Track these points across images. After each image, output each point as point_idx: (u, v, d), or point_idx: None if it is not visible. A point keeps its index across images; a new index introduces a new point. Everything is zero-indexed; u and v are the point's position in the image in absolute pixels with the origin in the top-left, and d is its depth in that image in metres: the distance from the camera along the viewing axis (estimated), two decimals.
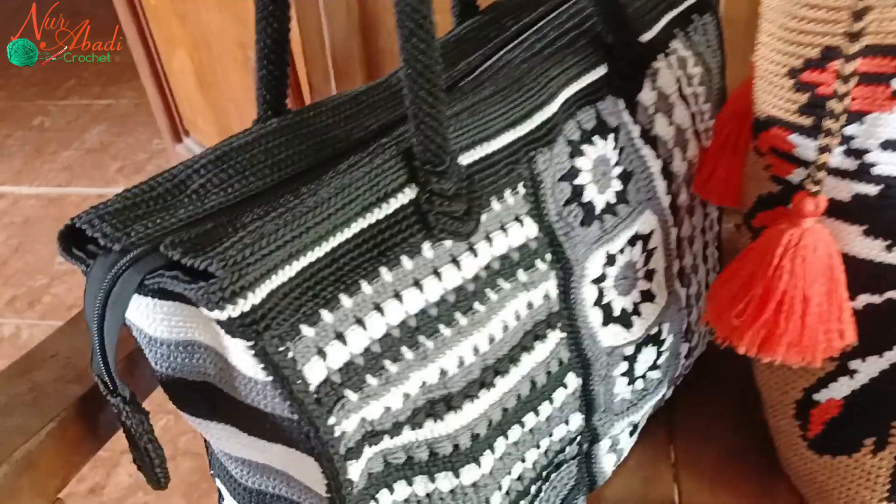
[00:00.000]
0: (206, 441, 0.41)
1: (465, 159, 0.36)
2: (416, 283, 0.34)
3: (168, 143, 1.42)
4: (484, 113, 0.37)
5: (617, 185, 0.42)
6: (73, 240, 0.33)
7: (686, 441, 0.54)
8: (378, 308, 0.33)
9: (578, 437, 0.45)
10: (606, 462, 0.49)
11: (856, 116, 0.36)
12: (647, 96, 0.44)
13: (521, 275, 0.38)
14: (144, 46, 1.24)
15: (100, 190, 1.62)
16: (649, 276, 0.45)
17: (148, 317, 0.33)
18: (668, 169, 0.45)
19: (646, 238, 0.44)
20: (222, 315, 0.28)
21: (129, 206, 0.33)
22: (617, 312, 0.44)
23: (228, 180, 0.35)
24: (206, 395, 0.35)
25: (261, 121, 0.39)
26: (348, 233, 0.32)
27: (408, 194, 0.34)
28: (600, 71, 0.41)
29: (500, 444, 0.39)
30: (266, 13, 0.37)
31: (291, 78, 0.82)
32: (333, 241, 0.32)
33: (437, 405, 0.36)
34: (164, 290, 0.31)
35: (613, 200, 0.42)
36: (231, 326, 0.29)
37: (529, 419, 0.40)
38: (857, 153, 0.36)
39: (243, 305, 0.29)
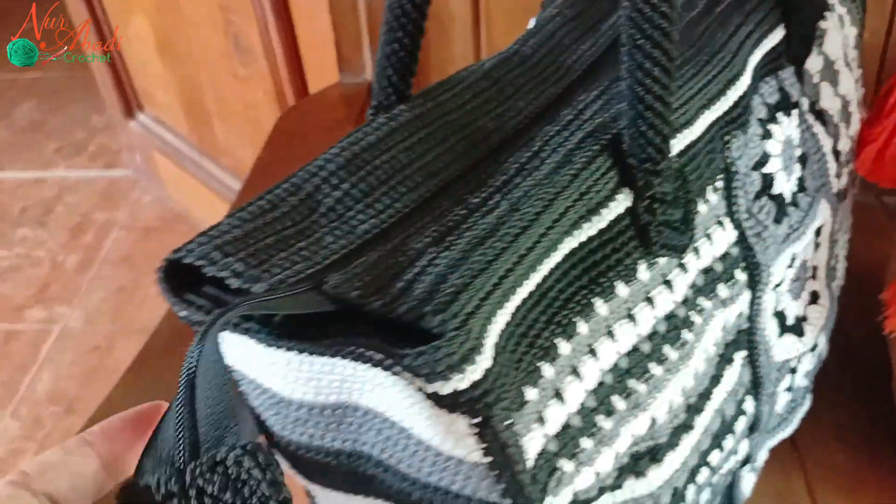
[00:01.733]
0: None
1: (671, 151, 0.28)
2: (629, 315, 0.26)
3: (117, 118, 1.28)
4: (680, 91, 0.29)
5: (798, 171, 0.35)
6: (177, 280, 0.25)
7: (814, 447, 0.48)
8: (592, 351, 0.25)
9: (739, 466, 0.38)
10: (746, 483, 0.43)
11: None
12: (812, 63, 0.37)
13: (722, 290, 0.31)
14: (91, 12, 1.10)
15: (38, 174, 1.47)
16: (815, 274, 0.39)
17: (286, 375, 0.25)
18: (836, 147, 0.38)
19: (819, 231, 0.37)
20: (445, 388, 0.20)
21: (252, 232, 0.25)
22: (791, 320, 0.37)
23: (371, 193, 0.26)
24: (351, 467, 0.27)
25: (381, 109, 0.30)
26: (556, 257, 0.24)
27: (622, 202, 0.26)
28: (780, 33, 0.34)
29: (691, 492, 0.32)
30: None
31: (294, 55, 0.72)
32: (543, 270, 0.24)
33: (641, 461, 0.29)
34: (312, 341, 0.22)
35: (795, 189, 0.35)
36: (454, 400, 0.21)
37: (714, 457, 0.34)
38: None
39: (472, 373, 0.20)
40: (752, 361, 0.35)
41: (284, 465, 0.30)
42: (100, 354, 1.13)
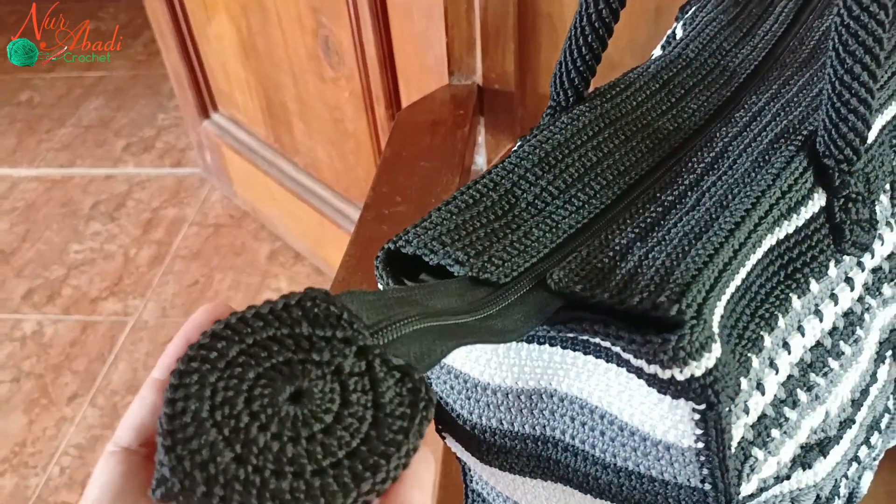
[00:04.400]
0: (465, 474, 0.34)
1: None
2: (816, 311, 0.27)
3: (191, 117, 1.31)
4: None
5: None
6: (393, 266, 0.26)
7: None
8: (785, 345, 0.26)
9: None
10: (865, 481, 0.44)
11: None
12: None
13: (886, 289, 0.31)
14: (171, 11, 1.13)
15: (108, 170, 1.51)
16: None
17: (490, 360, 0.26)
18: None
19: None
20: (683, 373, 0.21)
21: (462, 224, 0.26)
22: None
23: (568, 189, 0.28)
24: (537, 451, 0.28)
25: (560, 108, 0.32)
26: (759, 252, 0.25)
27: (817, 201, 0.27)
28: None
29: (842, 486, 0.33)
30: None
31: (402, 60, 0.73)
32: (749, 265, 0.25)
33: (811, 452, 0.29)
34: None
35: None
36: (687, 386, 0.22)
37: (863, 452, 0.34)
38: None
39: (708, 360, 0.22)
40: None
41: (460, 449, 0.31)
42: None
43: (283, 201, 1.18)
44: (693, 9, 0.40)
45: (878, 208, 0.30)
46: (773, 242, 0.26)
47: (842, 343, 0.29)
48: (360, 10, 0.76)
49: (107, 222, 1.39)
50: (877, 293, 0.31)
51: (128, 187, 1.47)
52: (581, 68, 0.31)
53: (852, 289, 0.29)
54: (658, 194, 0.27)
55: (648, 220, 0.26)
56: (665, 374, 0.22)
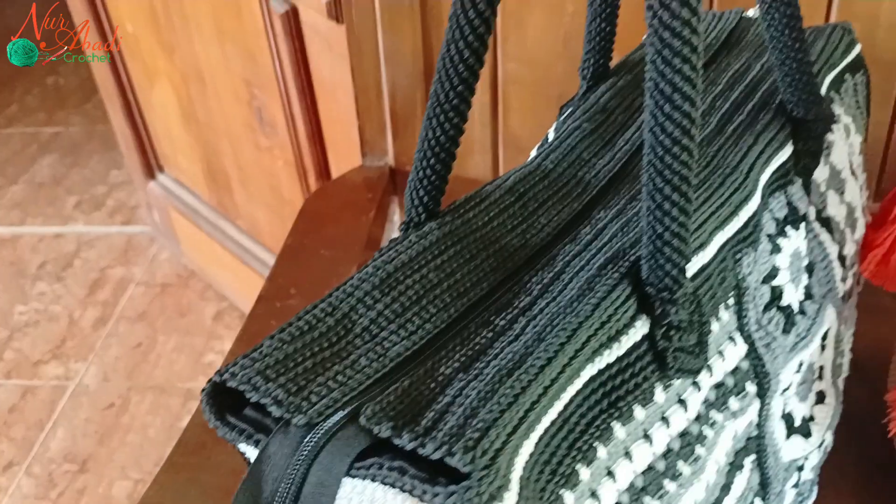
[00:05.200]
0: None
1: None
2: (646, 436, 0.28)
3: (137, 178, 1.31)
4: (696, 214, 0.31)
5: (805, 280, 0.37)
6: (222, 401, 0.26)
7: None
8: (610, 474, 0.27)
9: None
10: None
11: None
12: (819, 173, 0.38)
13: (733, 402, 0.32)
14: (115, 77, 1.14)
15: (57, 229, 1.50)
16: (821, 374, 0.40)
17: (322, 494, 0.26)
18: (841, 253, 0.40)
19: (825, 335, 0.39)
20: None
21: (291, 354, 0.26)
22: (798, 422, 0.38)
23: (404, 313, 0.28)
24: None
25: (413, 225, 0.32)
26: (578, 384, 0.26)
27: (639, 328, 0.27)
28: (788, 150, 0.36)
29: None
30: (450, 95, 0.29)
31: (325, 139, 0.74)
32: (566, 398, 0.25)
33: None
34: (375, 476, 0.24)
35: (802, 298, 0.37)
36: None
37: None
38: None
39: None
40: (760, 464, 0.36)
41: None
42: (115, 412, 1.14)
43: (227, 262, 1.17)
44: (567, 112, 0.41)
45: (716, 326, 0.31)
46: (594, 372, 0.26)
47: (679, 463, 0.29)
48: (288, 86, 0.77)
49: (53, 282, 1.38)
50: (722, 407, 0.32)
51: (76, 246, 1.46)
52: (429, 186, 0.31)
53: (686, 410, 0.29)
54: (492, 318, 0.28)
55: (476, 347, 0.27)
56: None
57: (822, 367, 0.40)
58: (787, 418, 0.37)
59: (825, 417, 0.40)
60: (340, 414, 0.24)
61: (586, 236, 0.31)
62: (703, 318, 0.29)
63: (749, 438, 0.34)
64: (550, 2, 0.51)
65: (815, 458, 0.41)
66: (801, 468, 0.40)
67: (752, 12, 0.45)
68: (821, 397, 0.40)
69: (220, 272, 1.23)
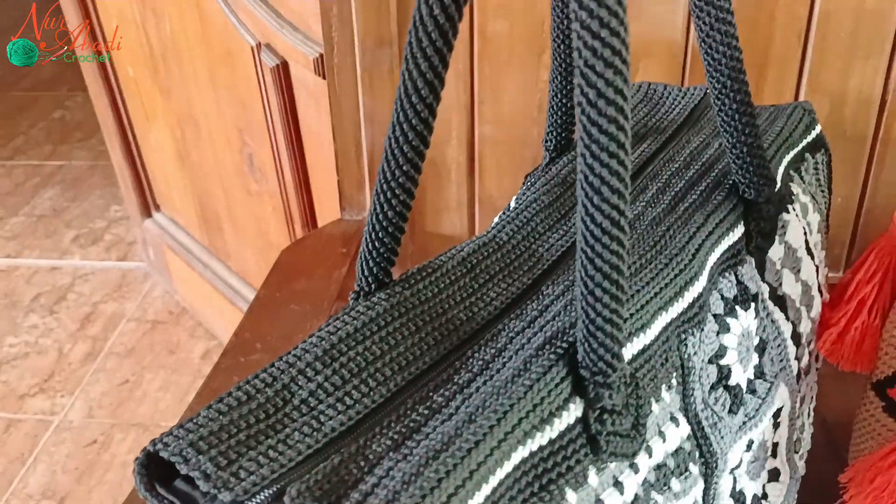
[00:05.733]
0: None
1: (625, 356, 0.30)
2: None
3: (134, 215, 1.32)
4: (637, 295, 0.31)
5: (755, 360, 0.37)
6: (156, 470, 0.26)
7: None
8: None
9: None
10: None
11: None
12: (774, 251, 0.39)
13: (675, 483, 0.32)
14: (116, 117, 1.16)
15: (53, 262, 1.51)
16: (775, 451, 0.40)
17: None
18: (796, 331, 0.40)
19: (778, 413, 0.39)
20: None
21: (226, 426, 0.27)
22: (749, 500, 0.38)
23: (343, 386, 0.28)
24: None
25: (363, 295, 0.33)
26: (508, 466, 0.26)
27: (573, 411, 0.28)
28: (739, 230, 0.37)
29: None
30: (396, 173, 0.30)
31: (311, 188, 0.76)
32: (494, 481, 0.26)
33: None
34: None
35: (752, 377, 0.37)
36: None
37: None
38: None
39: None
40: None
41: None
42: (96, 449, 1.13)
43: (217, 302, 1.18)
44: (529, 182, 0.41)
45: (657, 407, 0.31)
46: (525, 455, 0.26)
47: None
48: (277, 135, 0.78)
49: (45, 315, 1.39)
50: (664, 489, 0.32)
51: (71, 280, 1.46)
52: (378, 257, 0.32)
53: (623, 493, 0.29)
54: (430, 394, 0.28)
55: (411, 425, 0.27)
56: None
57: (776, 445, 0.40)
58: (738, 496, 0.37)
59: (778, 496, 0.40)
60: (267, 493, 0.24)
61: (532, 312, 0.32)
62: (641, 400, 0.30)
63: None
64: (525, 69, 0.53)
65: None
66: None
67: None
68: (774, 475, 0.40)
69: (211, 311, 1.24)
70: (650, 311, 0.31)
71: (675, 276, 0.33)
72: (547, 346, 0.29)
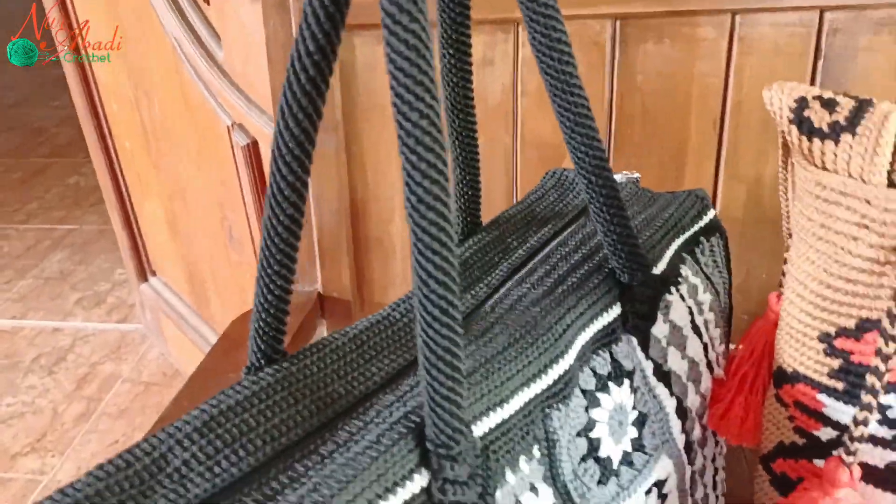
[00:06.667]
0: None
1: (479, 429, 0.33)
2: None
3: (133, 280, 1.37)
4: (499, 372, 0.34)
5: (633, 433, 0.39)
6: None
7: None
8: None
9: None
10: None
11: (893, 387, 0.34)
12: (659, 329, 0.41)
13: None
14: (115, 186, 1.22)
15: (55, 323, 1.56)
16: None
17: None
18: (682, 406, 0.42)
19: (661, 484, 0.41)
20: None
21: (101, 491, 0.29)
22: None
23: (215, 455, 0.31)
24: None
25: (253, 370, 0.36)
26: None
27: (419, 481, 0.30)
28: (615, 311, 0.39)
29: None
30: (274, 252, 0.33)
31: None
32: None
33: None
34: None
35: (629, 449, 0.39)
36: None
37: None
38: (894, 423, 0.34)
39: None
40: None
41: None
42: None
43: None
44: None
45: (513, 477, 0.33)
46: None
47: None
48: (249, 209, 0.82)
49: (44, 376, 1.43)
50: None
51: (72, 341, 1.51)
52: (264, 335, 0.35)
53: None
54: (295, 463, 0.31)
55: (268, 492, 0.30)
56: None
57: None
58: None
59: None
60: None
61: (405, 387, 0.34)
62: (491, 472, 0.32)
63: None
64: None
65: None
66: None
67: (618, 177, 0.50)
68: None
69: None
70: (511, 388, 0.34)
71: (541, 354, 0.35)
72: (402, 420, 0.31)
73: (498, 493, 0.32)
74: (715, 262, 0.47)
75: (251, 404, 0.33)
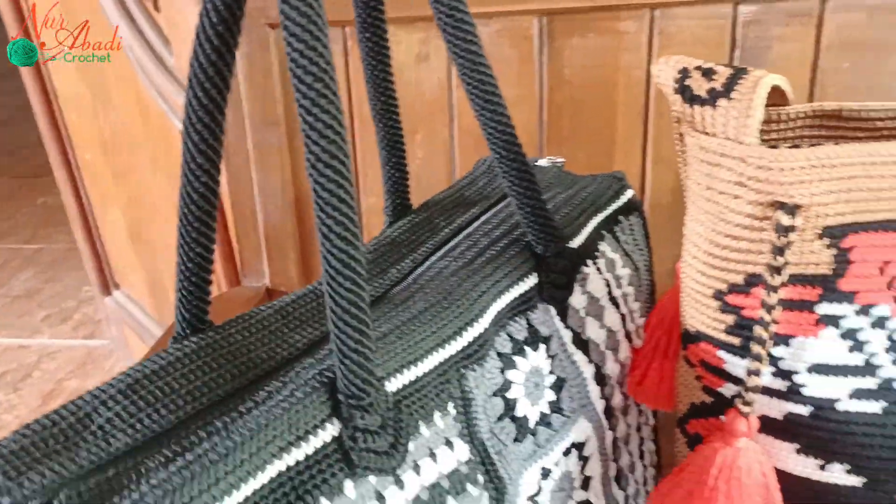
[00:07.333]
0: None
1: (393, 385, 0.34)
2: None
3: (98, 294, 1.37)
4: (413, 333, 0.36)
5: (550, 396, 0.41)
6: None
7: None
8: None
9: None
10: None
11: (782, 339, 0.36)
12: (577, 300, 0.44)
13: (451, 502, 0.36)
14: (77, 200, 1.22)
15: (21, 340, 1.55)
16: (586, 484, 0.44)
17: None
18: (600, 372, 0.44)
19: (581, 446, 0.43)
20: None
21: (27, 447, 0.31)
22: None
23: (137, 414, 0.32)
24: None
25: (179, 339, 0.37)
26: (264, 477, 0.30)
27: (330, 430, 0.32)
28: (531, 281, 0.41)
29: None
30: (190, 227, 0.35)
31: (224, 253, 0.81)
32: (246, 490, 0.30)
33: None
34: None
35: (547, 411, 0.41)
36: None
37: None
38: (786, 374, 0.36)
39: None
40: None
41: None
42: None
43: None
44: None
45: (427, 431, 0.35)
46: (283, 468, 0.30)
47: None
48: None
49: (10, 392, 1.42)
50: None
51: (38, 357, 1.50)
52: (189, 305, 0.37)
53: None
54: (214, 420, 0.32)
55: (186, 445, 0.31)
56: None
57: (588, 479, 0.44)
58: None
59: None
60: (41, 499, 0.29)
61: (326, 351, 0.36)
62: (402, 423, 0.34)
63: None
64: None
65: None
66: None
67: (543, 162, 0.52)
68: None
69: None
70: (425, 347, 0.36)
71: (455, 317, 0.37)
72: (316, 376, 0.33)
73: (411, 445, 0.34)
74: (635, 240, 0.50)
75: (174, 368, 0.35)
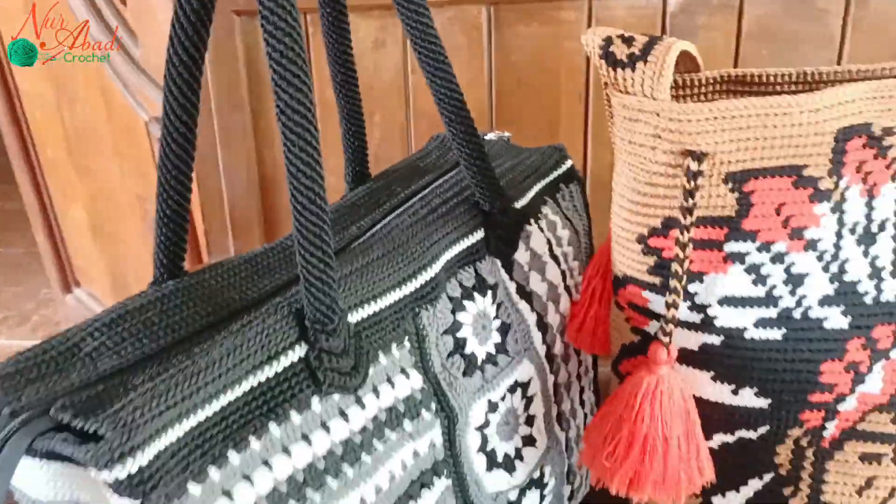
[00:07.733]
0: None
1: (354, 317, 0.38)
2: (305, 437, 0.35)
3: (57, 293, 1.38)
4: (372, 274, 0.40)
5: (496, 338, 0.46)
6: None
7: None
8: (266, 463, 0.34)
9: None
10: None
11: (696, 276, 0.41)
12: (522, 256, 0.48)
13: (407, 425, 0.40)
14: (38, 197, 1.24)
15: None
16: (530, 421, 0.48)
17: (32, 479, 0.33)
18: (542, 321, 0.49)
19: (525, 386, 0.47)
20: (110, 476, 0.29)
21: (21, 370, 0.34)
22: (500, 458, 0.46)
23: (122, 343, 0.36)
24: None
25: (157, 283, 0.41)
26: (239, 391, 0.34)
27: (297, 352, 0.36)
28: (479, 235, 0.46)
29: None
30: (169, 177, 0.39)
31: (189, 233, 0.84)
32: (224, 400, 0.33)
33: None
34: (52, 452, 0.31)
35: (493, 351, 0.45)
36: (119, 487, 0.29)
37: None
38: (700, 308, 0.41)
39: (131, 466, 0.29)
40: (461, 490, 0.43)
41: None
42: None
43: None
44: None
45: (384, 359, 0.39)
46: (255, 384, 0.34)
47: (344, 465, 0.37)
48: None
49: None
50: (397, 427, 0.39)
51: None
52: (166, 251, 0.40)
53: (348, 422, 0.37)
54: (192, 348, 0.36)
55: (167, 366, 0.34)
56: (101, 477, 0.29)
57: (532, 416, 0.48)
58: (490, 453, 0.45)
59: (532, 458, 0.48)
60: (38, 410, 0.32)
61: (294, 290, 0.40)
62: (363, 349, 0.38)
63: (437, 462, 0.42)
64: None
65: (534, 498, 0.48)
66: (512, 503, 0.47)
67: (491, 135, 0.57)
68: (529, 441, 0.48)
69: None
70: (382, 287, 0.40)
71: (409, 262, 0.42)
72: (286, 306, 0.37)
73: (371, 370, 0.38)
74: (575, 206, 0.54)
75: (154, 307, 0.38)
